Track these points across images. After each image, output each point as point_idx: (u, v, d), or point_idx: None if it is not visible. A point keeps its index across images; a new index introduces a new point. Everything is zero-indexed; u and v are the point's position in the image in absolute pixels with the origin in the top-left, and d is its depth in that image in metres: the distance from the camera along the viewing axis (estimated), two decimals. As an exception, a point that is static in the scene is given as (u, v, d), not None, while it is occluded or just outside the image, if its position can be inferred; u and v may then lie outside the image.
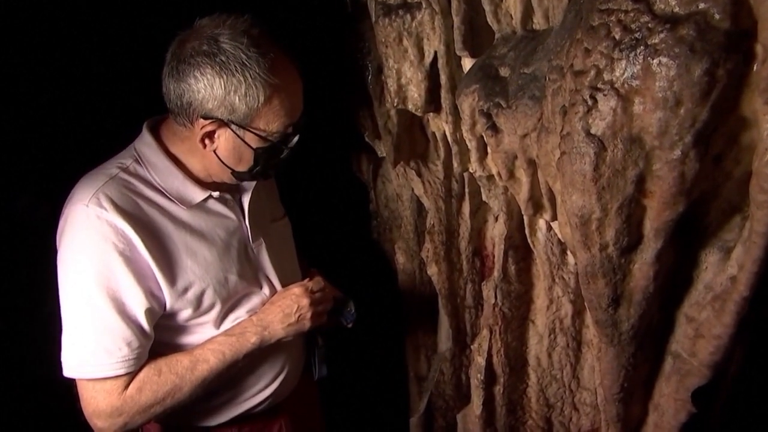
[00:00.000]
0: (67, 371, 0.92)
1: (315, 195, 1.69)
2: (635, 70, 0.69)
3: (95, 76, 1.41)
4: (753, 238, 0.70)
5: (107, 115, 1.40)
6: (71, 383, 0.95)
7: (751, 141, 0.70)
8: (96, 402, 0.91)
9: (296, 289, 1.07)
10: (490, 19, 1.06)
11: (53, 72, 1.37)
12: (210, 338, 1.00)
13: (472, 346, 1.41)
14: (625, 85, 0.71)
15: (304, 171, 1.18)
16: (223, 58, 0.87)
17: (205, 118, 0.91)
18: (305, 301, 1.05)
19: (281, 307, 1.05)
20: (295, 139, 0.98)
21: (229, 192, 1.05)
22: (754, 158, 0.69)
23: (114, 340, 0.90)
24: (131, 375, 0.93)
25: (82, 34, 1.38)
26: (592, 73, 0.74)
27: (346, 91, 1.39)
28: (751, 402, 1.08)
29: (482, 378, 1.23)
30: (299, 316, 1.05)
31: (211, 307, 1.00)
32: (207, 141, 0.94)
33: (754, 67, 0.65)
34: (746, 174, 0.72)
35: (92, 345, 0.90)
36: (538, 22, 1.00)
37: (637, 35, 0.69)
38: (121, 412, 0.92)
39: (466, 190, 1.35)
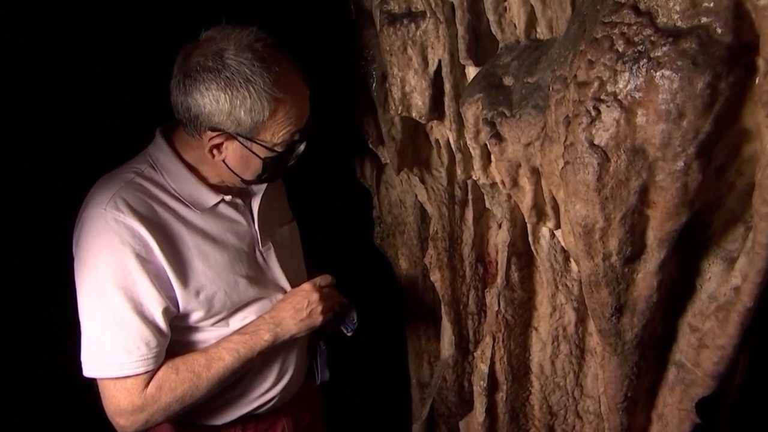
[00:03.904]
0: (87, 371, 0.94)
1: (318, 200, 1.70)
2: (638, 83, 0.70)
3: (106, 82, 1.43)
4: (756, 249, 0.71)
5: (118, 122, 1.42)
6: (89, 384, 0.96)
7: (754, 153, 0.70)
8: (117, 401, 0.93)
9: (305, 286, 1.10)
10: (494, 28, 1.07)
11: (64, 77, 1.39)
12: (225, 337, 1.02)
13: (474, 353, 1.41)
14: (629, 97, 0.71)
15: (308, 176, 1.19)
16: (228, 74, 0.88)
17: (213, 130, 0.93)
18: (315, 296, 1.08)
19: (292, 304, 1.07)
20: (302, 147, 1.01)
21: (240, 196, 1.07)
22: (757, 170, 0.69)
23: (133, 340, 0.92)
24: (150, 374, 0.94)
25: (91, 38, 1.40)
26: (596, 84, 0.74)
27: (350, 98, 1.40)
28: (756, 412, 1.08)
29: (485, 385, 1.23)
30: (310, 311, 1.07)
31: (222, 309, 1.02)
32: (215, 152, 0.97)
33: (756, 80, 0.65)
34: (749, 185, 0.73)
35: (112, 345, 0.92)
36: (542, 32, 1.01)
37: (640, 48, 0.69)
38: (142, 410, 0.94)
39: (469, 196, 1.35)
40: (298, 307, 1.07)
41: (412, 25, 1.17)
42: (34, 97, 1.37)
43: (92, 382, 0.96)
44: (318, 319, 1.08)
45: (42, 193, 1.38)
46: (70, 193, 1.02)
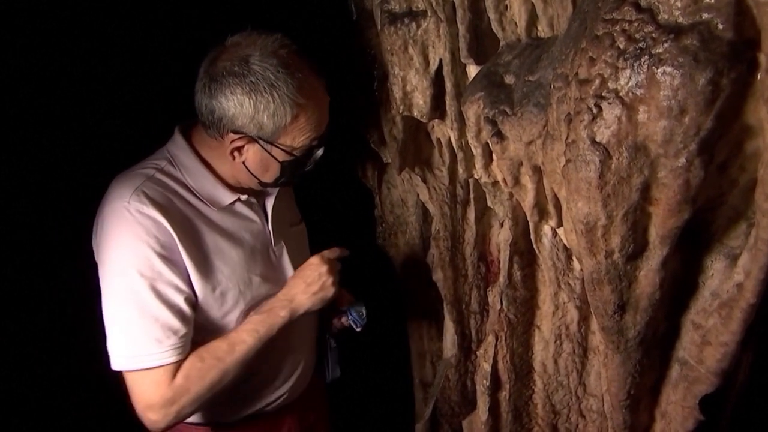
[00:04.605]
0: (118, 365, 0.94)
1: (320, 200, 1.70)
2: (640, 79, 0.70)
3: (122, 81, 1.44)
4: (759, 245, 0.70)
5: (131, 122, 1.42)
6: (94, 382, 0.96)
7: (756, 149, 0.70)
8: (148, 395, 0.93)
9: (313, 259, 1.10)
10: (495, 26, 1.07)
11: (83, 77, 1.39)
12: (244, 320, 1.03)
13: (477, 352, 1.41)
14: (630, 94, 0.71)
15: (310, 176, 1.20)
16: (253, 79, 0.91)
17: (235, 133, 0.95)
18: (324, 268, 1.08)
19: (303, 278, 1.08)
20: (320, 152, 1.04)
21: (254, 196, 1.09)
22: (759, 166, 0.69)
23: (162, 330, 0.93)
24: (178, 364, 0.95)
25: (111, 40, 1.40)
26: (597, 81, 0.75)
27: (351, 98, 1.40)
28: (760, 409, 1.08)
29: (488, 384, 1.23)
30: (322, 284, 1.08)
31: (235, 306, 1.03)
32: (236, 153, 0.99)
33: (758, 76, 0.65)
34: (751, 181, 0.72)
35: (141, 336, 0.93)
36: (543, 30, 1.01)
37: (641, 45, 0.69)
38: (172, 402, 0.94)
39: (471, 195, 1.35)
40: (308, 281, 1.07)
41: (413, 24, 1.17)
42: (51, 96, 1.37)
43: (99, 381, 0.96)
44: (330, 291, 1.08)
45: (54, 191, 1.39)
46: (83, 190, 1.02)
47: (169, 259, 0.94)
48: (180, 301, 0.95)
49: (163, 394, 0.93)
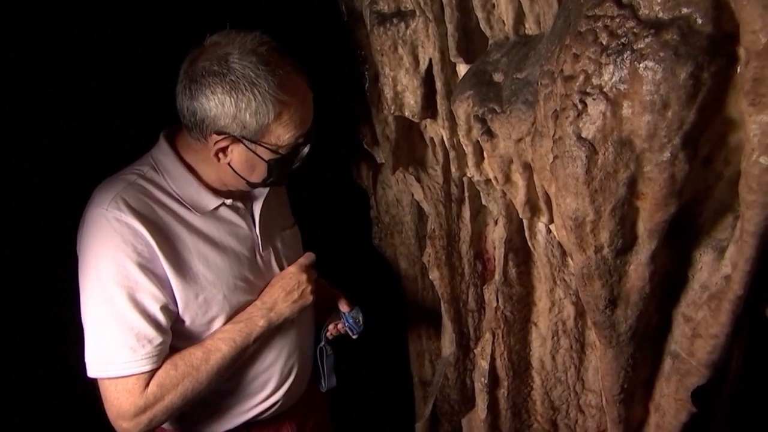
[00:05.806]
0: (92, 372, 0.94)
1: (316, 201, 1.71)
2: (623, 75, 0.70)
3: (112, 85, 1.44)
4: (744, 237, 0.71)
5: (123, 125, 1.43)
6: (91, 384, 0.97)
7: (739, 142, 0.70)
8: (119, 403, 0.93)
9: (292, 268, 1.11)
10: (483, 25, 1.07)
11: (71, 81, 1.40)
12: (219, 328, 1.03)
13: (475, 350, 1.42)
14: (614, 89, 0.72)
15: (305, 178, 1.20)
16: (233, 78, 0.90)
17: (218, 133, 0.94)
18: (303, 277, 1.09)
19: (282, 286, 1.08)
20: (306, 149, 1.02)
21: (241, 200, 1.08)
22: (742, 159, 0.70)
23: (137, 338, 0.93)
24: (152, 373, 0.95)
25: (97, 43, 1.41)
26: (581, 77, 0.75)
27: (344, 99, 1.41)
28: (754, 401, 1.08)
29: (486, 382, 1.23)
30: (301, 291, 1.09)
31: (219, 312, 1.03)
32: (221, 155, 0.98)
33: (738, 70, 0.66)
34: (736, 174, 0.73)
35: (116, 344, 0.93)
36: (530, 28, 1.01)
37: (623, 40, 0.70)
38: (144, 410, 0.94)
39: (466, 194, 1.36)
40: (288, 289, 1.08)
41: (402, 24, 1.17)
42: (43, 101, 1.38)
43: (93, 383, 0.96)
44: (309, 298, 1.09)
45: (48, 194, 1.40)
46: (76, 195, 1.03)
47: (146, 267, 0.93)
48: (156, 310, 0.94)
49: (135, 403, 0.93)
